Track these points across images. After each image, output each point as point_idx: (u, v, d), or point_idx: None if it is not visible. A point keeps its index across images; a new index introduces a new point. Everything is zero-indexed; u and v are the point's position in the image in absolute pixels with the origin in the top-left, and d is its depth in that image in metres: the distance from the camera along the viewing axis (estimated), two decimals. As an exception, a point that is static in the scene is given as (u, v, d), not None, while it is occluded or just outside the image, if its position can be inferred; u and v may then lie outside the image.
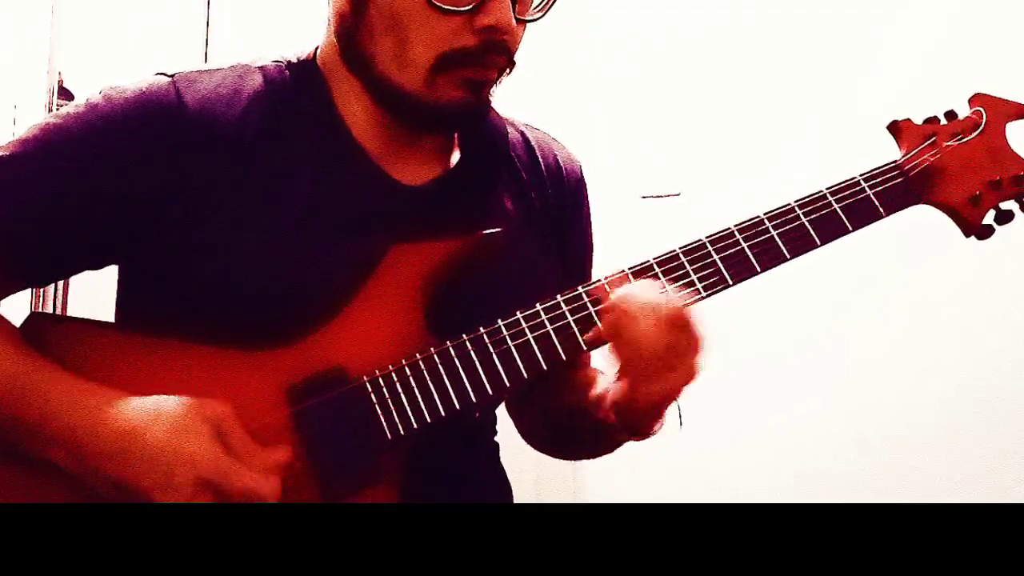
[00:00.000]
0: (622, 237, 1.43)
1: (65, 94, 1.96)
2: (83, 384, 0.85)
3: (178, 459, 0.79)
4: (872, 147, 1.01)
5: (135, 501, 0.80)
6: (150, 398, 0.83)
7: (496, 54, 0.91)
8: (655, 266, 0.91)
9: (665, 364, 0.84)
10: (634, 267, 0.91)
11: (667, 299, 0.85)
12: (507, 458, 1.12)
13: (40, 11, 1.97)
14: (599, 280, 0.91)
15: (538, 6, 0.94)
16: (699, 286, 0.90)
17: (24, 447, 0.84)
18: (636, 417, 0.90)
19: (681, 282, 0.90)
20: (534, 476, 2.13)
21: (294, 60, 1.00)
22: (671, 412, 0.91)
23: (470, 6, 0.88)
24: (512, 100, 1.04)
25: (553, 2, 0.94)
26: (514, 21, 0.90)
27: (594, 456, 1.11)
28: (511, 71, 0.95)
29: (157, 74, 0.93)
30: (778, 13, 2.15)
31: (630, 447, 0.99)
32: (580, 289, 0.90)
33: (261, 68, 0.97)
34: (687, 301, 0.87)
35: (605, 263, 0.96)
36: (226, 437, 0.82)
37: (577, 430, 1.06)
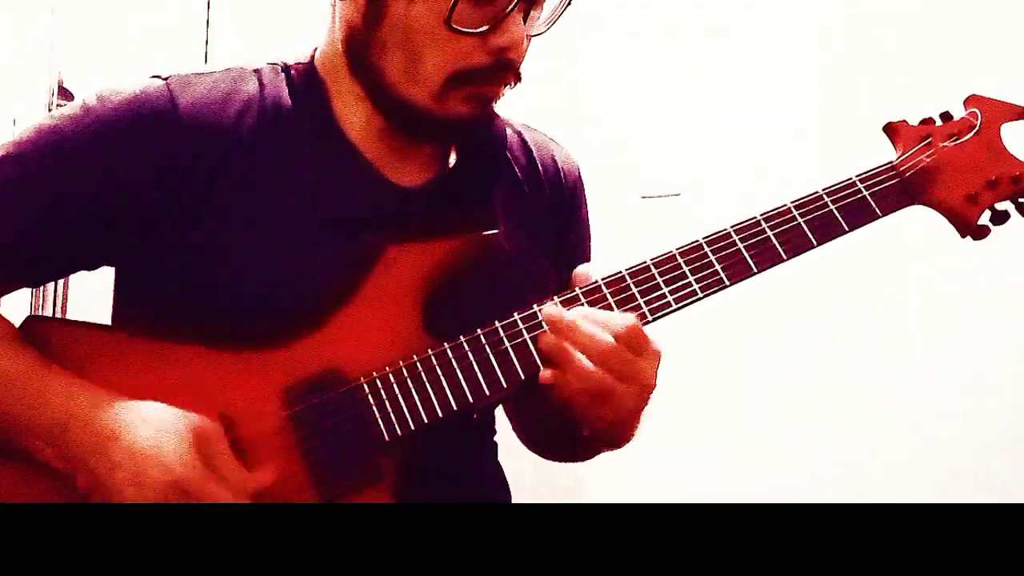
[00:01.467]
0: (622, 237, 1.43)
1: (65, 94, 1.96)
2: (78, 381, 0.86)
3: (154, 461, 0.80)
4: (870, 148, 1.01)
5: (108, 497, 0.81)
6: (143, 402, 0.84)
7: (506, 72, 0.93)
8: (652, 267, 0.91)
9: (608, 391, 0.84)
10: (631, 268, 0.91)
11: (607, 324, 0.85)
12: (507, 458, 1.12)
13: (40, 11, 1.97)
14: (596, 282, 0.91)
15: (545, 20, 0.95)
16: (696, 287, 0.90)
17: (11, 441, 0.85)
18: (601, 435, 0.91)
19: (679, 283, 0.90)
20: (534, 476, 2.13)
21: (291, 63, 1.00)
22: (645, 417, 0.92)
23: (485, 27, 0.88)
24: (512, 101, 1.04)
25: (559, 16, 0.95)
26: (525, 40, 0.91)
27: (580, 460, 1.11)
28: (516, 84, 0.96)
29: (152, 76, 0.93)
30: (778, 13, 2.15)
31: (629, 447, 0.99)
32: (578, 290, 0.91)
33: (256, 71, 0.98)
34: (630, 322, 0.86)
35: (605, 263, 0.96)
36: (209, 450, 0.83)
37: (562, 435, 1.06)
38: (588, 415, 0.87)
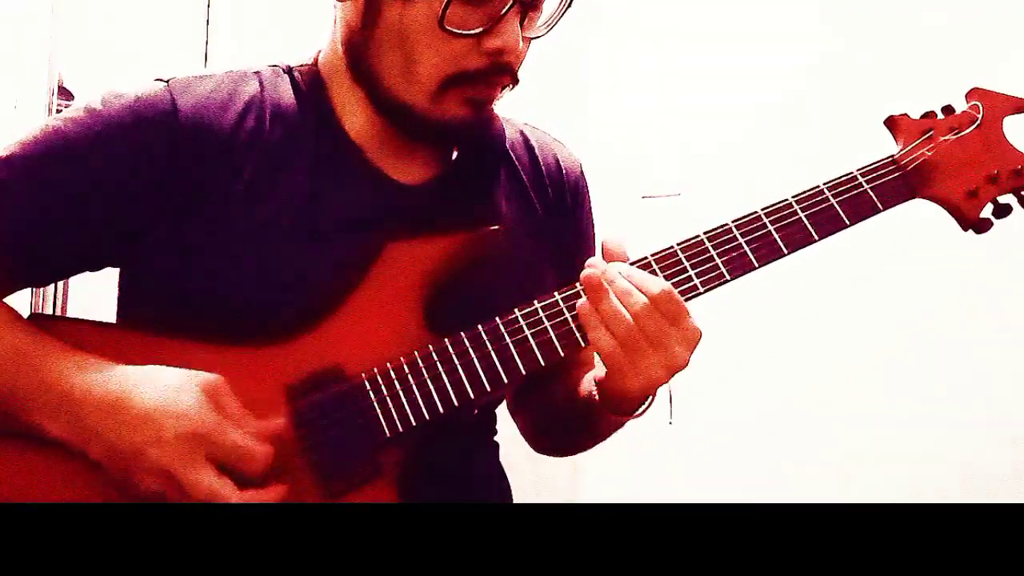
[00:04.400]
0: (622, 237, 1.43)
1: (65, 94, 1.96)
2: (79, 353, 0.86)
3: (168, 414, 0.81)
4: (871, 145, 1.00)
5: (128, 461, 0.82)
6: (143, 367, 0.85)
7: (501, 75, 0.93)
8: (653, 263, 0.91)
9: (638, 348, 0.84)
10: (632, 263, 0.91)
11: (653, 285, 0.85)
12: (507, 458, 1.12)
13: (40, 11, 1.97)
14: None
15: (544, 23, 0.95)
16: (696, 282, 0.90)
17: (20, 419, 0.85)
18: (616, 401, 0.90)
19: (679, 278, 0.90)
20: (534, 476, 2.13)
21: (293, 65, 1.01)
22: (660, 394, 0.91)
23: (479, 29, 0.88)
24: (513, 100, 1.04)
25: (559, 19, 0.95)
26: (521, 42, 0.91)
27: (590, 445, 1.10)
28: (514, 87, 0.96)
29: (155, 80, 0.94)
30: (777, 12, 2.16)
31: (629, 447, 0.98)
32: (578, 286, 0.90)
33: (257, 73, 0.98)
34: (664, 285, 0.85)
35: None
36: (219, 400, 0.84)
37: (570, 419, 1.06)
38: (616, 378, 0.86)
